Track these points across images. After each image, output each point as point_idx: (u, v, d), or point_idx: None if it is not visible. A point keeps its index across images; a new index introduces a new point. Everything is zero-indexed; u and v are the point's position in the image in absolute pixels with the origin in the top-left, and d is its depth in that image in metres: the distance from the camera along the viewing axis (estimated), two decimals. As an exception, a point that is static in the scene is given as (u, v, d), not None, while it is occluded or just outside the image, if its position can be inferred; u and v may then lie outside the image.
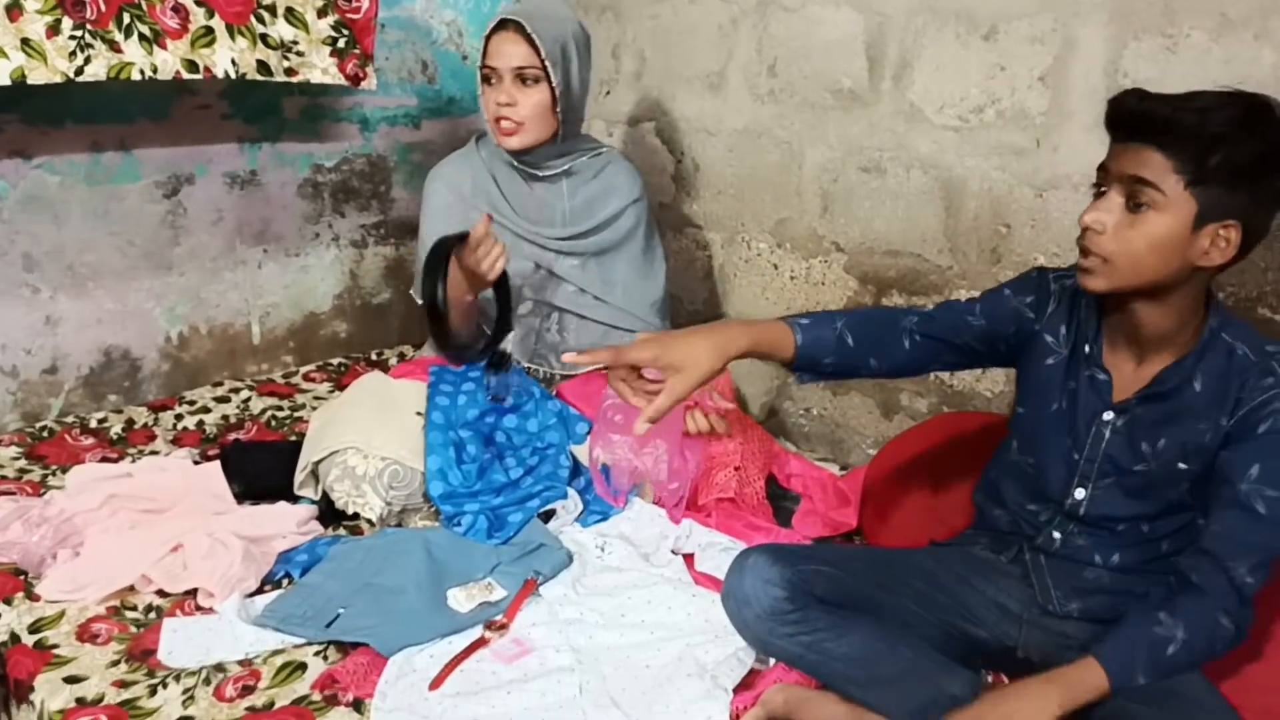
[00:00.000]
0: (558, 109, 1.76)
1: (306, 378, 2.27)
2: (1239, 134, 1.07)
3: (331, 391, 2.20)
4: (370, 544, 1.54)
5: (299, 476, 1.66)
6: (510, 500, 1.66)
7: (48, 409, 1.99)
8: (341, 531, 1.65)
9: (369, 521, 1.63)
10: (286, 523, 1.58)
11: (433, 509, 1.65)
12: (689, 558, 1.59)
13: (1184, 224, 1.11)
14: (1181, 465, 1.22)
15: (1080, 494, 1.28)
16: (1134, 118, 1.13)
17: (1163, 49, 1.54)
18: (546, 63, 1.71)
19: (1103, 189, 1.16)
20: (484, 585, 1.47)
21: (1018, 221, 1.74)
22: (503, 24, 1.72)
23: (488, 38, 1.73)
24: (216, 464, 1.65)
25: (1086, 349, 1.27)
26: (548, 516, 1.67)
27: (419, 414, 1.72)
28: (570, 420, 1.83)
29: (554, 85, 1.74)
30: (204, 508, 1.55)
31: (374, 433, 1.64)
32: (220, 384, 2.19)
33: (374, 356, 2.40)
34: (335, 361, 2.36)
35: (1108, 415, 1.26)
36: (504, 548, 1.55)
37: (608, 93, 2.43)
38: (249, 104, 2.10)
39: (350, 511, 1.62)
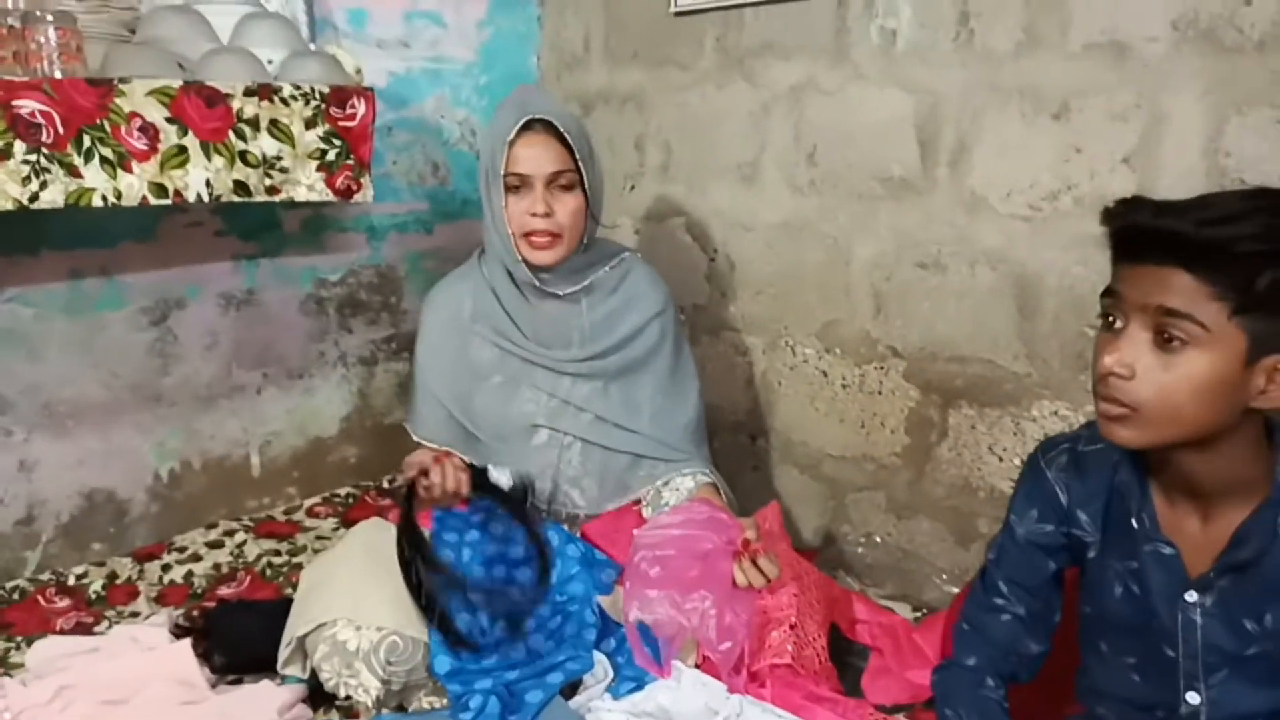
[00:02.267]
0: (589, 213, 1.57)
1: (310, 513, 2.08)
2: None
3: (336, 529, 2.00)
4: (361, 738, 1.31)
5: (283, 652, 1.44)
6: (528, 674, 1.42)
7: (23, 564, 1.80)
8: (334, 716, 1.42)
9: (365, 705, 1.40)
10: (267, 710, 1.36)
11: (438, 686, 1.41)
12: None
13: (1234, 361, 0.87)
14: None
15: (1195, 699, 1.01)
16: (1148, 237, 0.88)
17: (1273, 121, 1.31)
18: (580, 163, 1.52)
19: (1114, 320, 0.92)
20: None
21: (1107, 323, 1.50)
22: (528, 124, 1.50)
23: (511, 141, 1.49)
24: (187, 644, 1.43)
25: (1135, 519, 1.02)
26: (573, 689, 1.43)
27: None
28: (596, 566, 1.59)
29: (587, 189, 1.54)
30: (170, 698, 1.34)
31: (368, 598, 1.42)
32: (215, 525, 1.99)
33: (385, 483, 2.21)
34: (343, 492, 2.17)
35: (1190, 596, 0.99)
36: (520, 737, 1.31)
37: (632, 187, 2.25)
38: (244, 219, 1.95)
39: (342, 694, 1.39)
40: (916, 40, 1.66)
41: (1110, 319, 0.92)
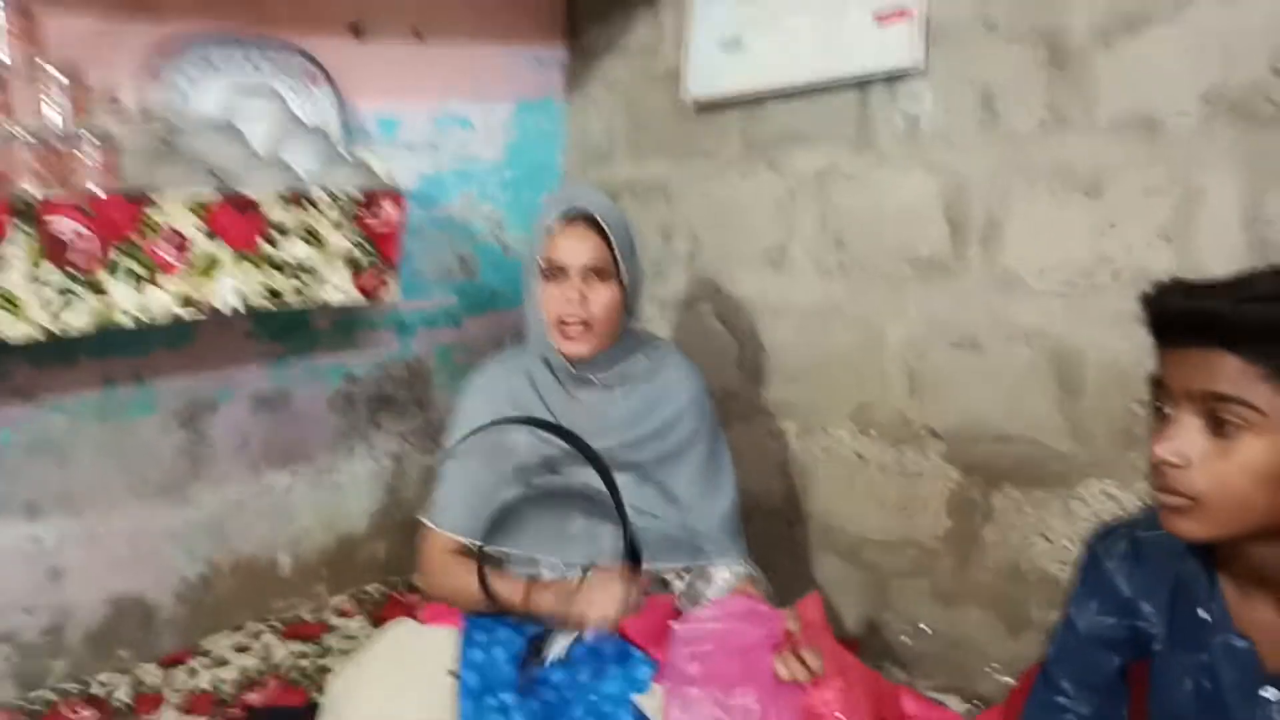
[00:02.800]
0: (625, 306, 1.57)
1: (339, 612, 2.03)
2: None
3: (364, 628, 1.95)
4: None
5: (313, 763, 1.39)
6: (565, 780, 1.35)
7: (48, 673, 1.77)
8: (363, 831, 1.36)
9: (395, 818, 1.34)
10: (296, 826, 1.30)
11: (471, 798, 1.35)
12: None
13: None
14: None
15: None
16: (1186, 320, 0.85)
17: (1312, 191, 1.29)
18: (619, 257, 1.53)
19: (1164, 409, 0.88)
20: None
21: (1154, 399, 1.45)
22: (572, 217, 1.53)
23: (552, 231, 1.52)
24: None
25: (1204, 610, 0.96)
26: (611, 797, 1.36)
27: (452, 673, 1.45)
28: (632, 664, 1.53)
29: (624, 282, 1.55)
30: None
31: (395, 704, 1.37)
32: (241, 627, 1.95)
33: (414, 580, 2.16)
34: (371, 589, 2.12)
35: (1268, 693, 0.92)
36: None
37: (659, 275, 2.25)
38: (274, 319, 1.96)
39: (372, 807, 1.33)
40: (940, 124, 1.67)
41: (1160, 407, 0.89)
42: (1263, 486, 0.83)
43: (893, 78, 1.72)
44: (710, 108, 2.06)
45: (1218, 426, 0.84)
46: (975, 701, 1.68)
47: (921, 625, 1.82)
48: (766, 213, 1.98)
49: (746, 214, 2.02)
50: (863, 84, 1.77)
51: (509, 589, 1.47)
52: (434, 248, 2.20)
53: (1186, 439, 0.85)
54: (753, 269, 2.03)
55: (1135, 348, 1.46)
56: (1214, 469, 0.84)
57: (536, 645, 1.42)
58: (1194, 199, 1.39)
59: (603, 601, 1.42)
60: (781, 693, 1.30)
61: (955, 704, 1.67)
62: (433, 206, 2.18)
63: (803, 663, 1.30)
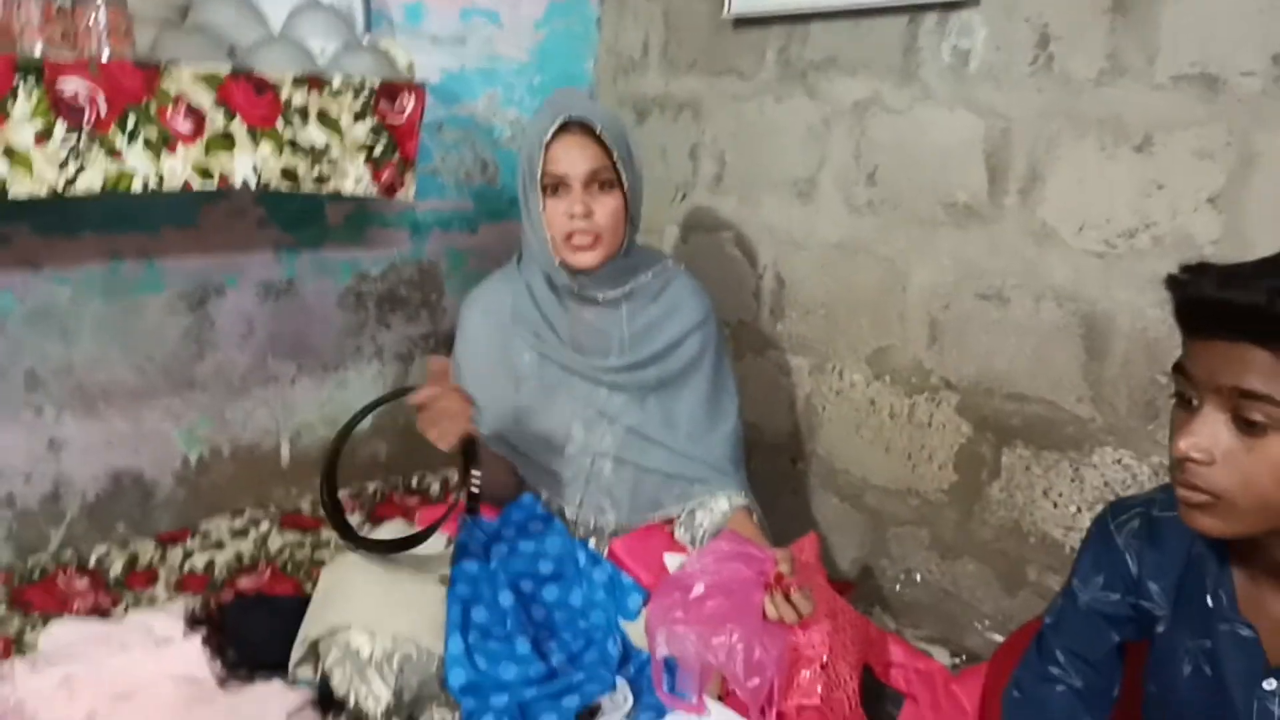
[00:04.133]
0: (629, 216, 1.53)
1: (337, 508, 2.04)
2: None
3: (361, 525, 1.96)
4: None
5: (296, 653, 1.40)
6: (545, 693, 1.36)
7: (46, 541, 1.79)
8: (342, 722, 1.38)
9: (373, 714, 1.35)
10: (275, 712, 1.32)
11: (450, 699, 1.36)
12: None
13: None
14: None
15: None
16: (1217, 311, 0.80)
17: (1378, 166, 1.22)
18: (619, 164, 1.48)
19: (1190, 399, 0.83)
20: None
21: (1181, 370, 1.41)
22: (565, 125, 1.48)
23: (548, 143, 1.48)
24: (198, 640, 1.40)
25: (1210, 596, 0.93)
26: (591, 715, 1.37)
27: (443, 578, 1.45)
28: (622, 591, 1.53)
29: (626, 189, 1.50)
30: (177, 695, 1.30)
31: (385, 604, 1.37)
32: (241, 513, 1.96)
33: (414, 483, 2.17)
34: (371, 488, 2.12)
35: (1269, 684, 0.90)
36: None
37: (684, 197, 2.19)
38: (287, 209, 1.92)
39: (351, 702, 1.35)
40: (991, 62, 1.59)
41: (1185, 396, 0.84)
42: None
43: (947, 5, 1.63)
44: (750, 22, 1.96)
45: (1244, 423, 0.80)
46: (962, 656, 1.68)
47: (916, 574, 1.82)
48: (799, 140, 1.91)
49: (778, 140, 1.95)
50: (914, 10, 1.68)
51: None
52: (453, 148, 2.14)
53: (1211, 434, 0.81)
54: (780, 198, 1.97)
55: (1168, 317, 1.40)
56: (1238, 467, 0.80)
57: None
58: (1248, 165, 1.32)
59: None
60: (768, 633, 1.30)
61: (942, 656, 1.67)
62: (455, 105, 2.11)
63: (791, 605, 1.29)
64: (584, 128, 1.47)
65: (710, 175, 2.12)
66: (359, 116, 1.58)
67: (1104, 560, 1.02)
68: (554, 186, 1.49)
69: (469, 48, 2.12)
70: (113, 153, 1.33)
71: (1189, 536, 0.95)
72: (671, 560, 1.52)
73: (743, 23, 1.98)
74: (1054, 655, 1.07)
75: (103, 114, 1.31)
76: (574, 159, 1.47)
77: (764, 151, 1.99)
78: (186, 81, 1.40)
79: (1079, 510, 1.55)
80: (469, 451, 1.43)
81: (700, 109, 2.12)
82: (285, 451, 2.06)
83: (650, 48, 2.23)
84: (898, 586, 1.84)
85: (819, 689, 1.37)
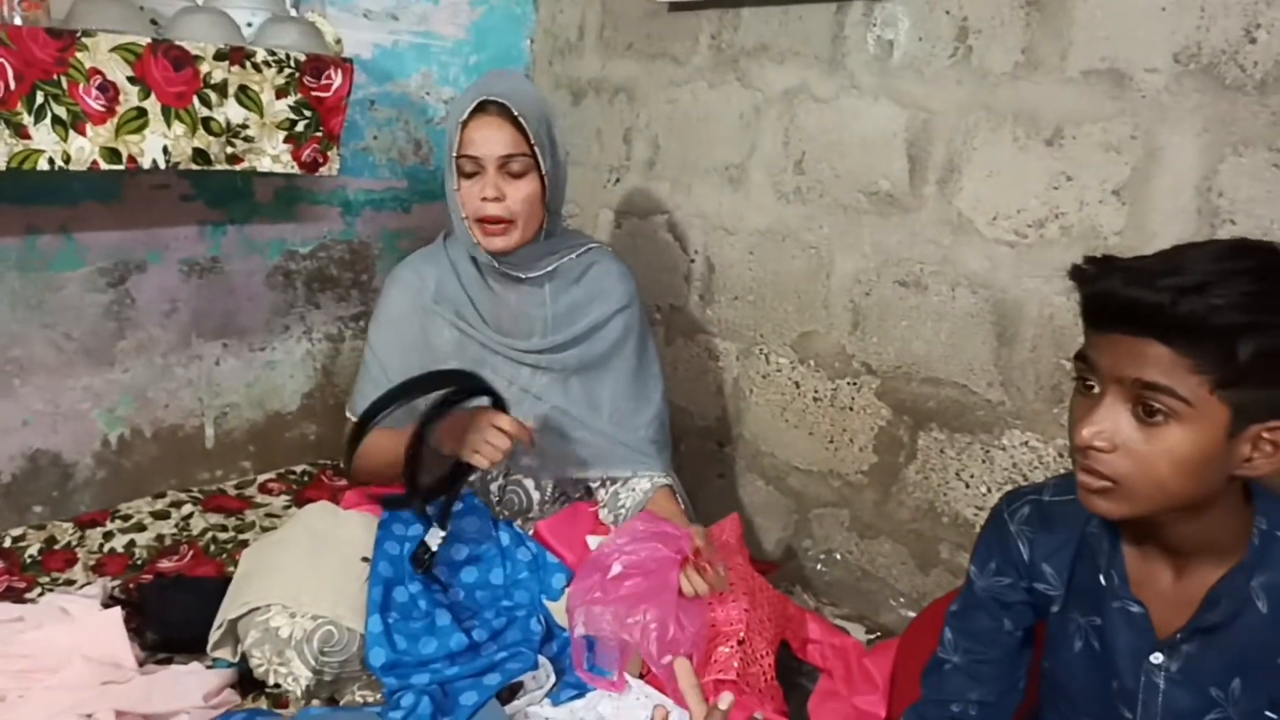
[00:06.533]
0: (546, 201, 1.52)
1: (263, 488, 2.02)
2: (1267, 314, 0.78)
3: (287, 507, 1.95)
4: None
5: (214, 635, 1.40)
6: (466, 671, 1.37)
7: (-41, 522, 1.75)
8: (262, 703, 1.38)
9: (294, 694, 1.35)
10: (193, 694, 1.31)
11: (372, 679, 1.37)
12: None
13: (1216, 434, 0.82)
14: (1272, 716, 0.91)
15: None
16: (1120, 308, 0.83)
17: (1269, 165, 1.28)
18: (536, 148, 1.47)
19: (1091, 385, 0.87)
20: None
21: (1085, 357, 1.46)
22: (482, 106, 1.46)
23: (464, 123, 1.46)
24: (117, 619, 1.38)
25: (1103, 575, 0.98)
26: (513, 692, 1.39)
27: (365, 559, 1.45)
28: (546, 570, 1.55)
29: (544, 174, 1.49)
30: (92, 675, 1.28)
31: (307, 585, 1.37)
32: (163, 495, 1.94)
33: (342, 464, 2.15)
34: (298, 469, 2.11)
35: (1156, 658, 0.95)
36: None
37: (616, 180, 2.20)
38: (213, 185, 1.89)
39: (271, 682, 1.35)
40: (914, 53, 1.62)
41: (1087, 383, 0.88)
42: (1181, 472, 0.83)
43: (871, -3, 1.66)
44: (684, 6, 1.97)
45: (1144, 413, 0.83)
46: (878, 632, 1.73)
47: (836, 554, 1.86)
48: (731, 127, 1.93)
49: (711, 126, 1.97)
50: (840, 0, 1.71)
51: (400, 437, 1.41)
52: (386, 126, 2.12)
53: (1112, 423, 0.84)
54: (711, 184, 1.99)
55: (1072, 304, 1.46)
56: (1138, 454, 0.84)
57: (423, 549, 1.42)
58: (1152, 159, 1.37)
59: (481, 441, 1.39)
60: (685, 610, 1.32)
61: (858, 633, 1.72)
62: (387, 82, 2.09)
63: (704, 578, 1.32)
64: (503, 109, 1.44)
65: (644, 160, 2.13)
66: (282, 92, 1.55)
67: (997, 547, 1.06)
68: (469, 168, 1.47)
69: (403, 23, 2.10)
70: (20, 131, 1.29)
71: (1082, 519, 0.99)
72: (594, 541, 1.54)
73: (678, 7, 1.99)
74: (955, 640, 1.10)
75: (11, 87, 1.27)
76: (489, 141, 1.45)
77: (697, 137, 2.01)
78: (102, 53, 1.36)
79: (989, 491, 1.60)
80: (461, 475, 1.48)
81: (635, 93, 2.13)
82: (210, 432, 2.03)
83: (587, 30, 2.23)
84: (819, 566, 1.89)
85: (735, 664, 1.41)
